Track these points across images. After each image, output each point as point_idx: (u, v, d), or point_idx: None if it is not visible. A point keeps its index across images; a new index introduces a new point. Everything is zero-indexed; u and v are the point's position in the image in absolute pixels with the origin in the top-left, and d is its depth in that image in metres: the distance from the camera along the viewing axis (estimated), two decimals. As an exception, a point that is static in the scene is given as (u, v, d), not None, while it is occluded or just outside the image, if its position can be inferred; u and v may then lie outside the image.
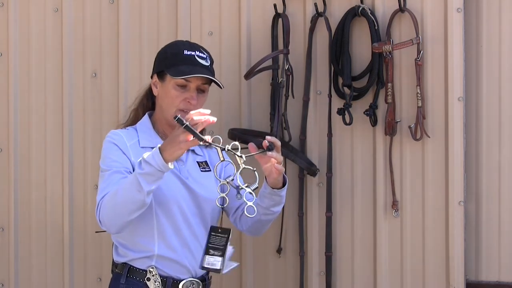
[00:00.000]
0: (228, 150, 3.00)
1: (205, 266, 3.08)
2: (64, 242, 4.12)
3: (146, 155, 2.95)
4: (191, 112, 2.95)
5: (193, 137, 2.90)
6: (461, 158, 3.63)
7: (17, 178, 4.18)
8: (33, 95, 4.17)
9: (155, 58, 3.32)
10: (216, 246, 3.08)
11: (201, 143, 2.91)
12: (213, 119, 2.94)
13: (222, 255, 3.07)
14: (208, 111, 2.95)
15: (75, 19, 4.10)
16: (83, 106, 4.10)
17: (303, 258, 3.79)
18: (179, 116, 2.91)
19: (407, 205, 3.71)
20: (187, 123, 2.89)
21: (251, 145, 3.11)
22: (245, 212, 3.04)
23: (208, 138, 2.93)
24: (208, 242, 3.10)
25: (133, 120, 3.35)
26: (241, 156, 3.00)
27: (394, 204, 3.70)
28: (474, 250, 3.69)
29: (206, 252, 3.08)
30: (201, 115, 2.92)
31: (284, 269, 3.86)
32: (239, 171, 3.01)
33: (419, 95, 3.62)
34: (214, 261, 3.07)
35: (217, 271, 3.08)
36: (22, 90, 4.18)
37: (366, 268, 3.76)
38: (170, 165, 2.94)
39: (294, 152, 3.75)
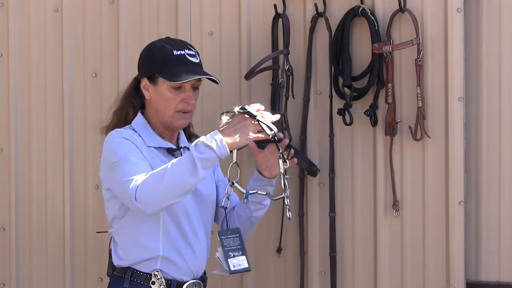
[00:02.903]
0: (281, 153, 3.03)
1: (234, 269, 3.03)
2: (65, 242, 4.13)
3: (203, 139, 2.90)
4: (253, 106, 2.94)
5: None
6: (461, 158, 3.64)
7: (17, 178, 4.19)
8: (33, 95, 4.17)
9: (141, 61, 3.26)
10: (233, 247, 3.06)
11: (272, 138, 2.91)
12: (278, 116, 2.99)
13: (243, 253, 3.06)
14: (263, 107, 2.98)
15: (75, 19, 4.10)
16: (83, 106, 4.10)
17: (304, 258, 3.80)
18: (247, 108, 2.91)
19: (407, 205, 3.71)
20: (259, 116, 2.91)
21: (253, 145, 3.15)
22: (288, 215, 3.06)
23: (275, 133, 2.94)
24: (223, 247, 3.05)
25: (118, 121, 3.28)
26: (285, 161, 3.03)
27: (395, 204, 3.71)
28: (474, 250, 3.69)
29: (227, 257, 3.04)
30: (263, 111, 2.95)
31: (284, 269, 3.87)
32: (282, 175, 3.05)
33: (419, 95, 3.62)
34: (239, 262, 3.05)
35: (247, 269, 3.06)
36: (22, 90, 4.18)
37: (367, 267, 3.77)
38: (235, 143, 2.92)
39: (295, 152, 3.75)
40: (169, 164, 2.94)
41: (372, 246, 3.76)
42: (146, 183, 2.94)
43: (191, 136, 3.34)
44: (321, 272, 3.81)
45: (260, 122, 2.91)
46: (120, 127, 3.23)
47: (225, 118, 2.95)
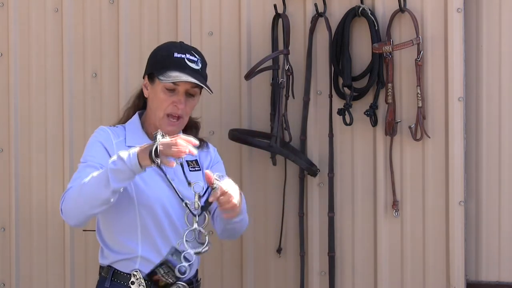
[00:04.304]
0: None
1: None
2: (65, 241, 4.12)
3: (122, 152, 2.94)
4: (180, 136, 2.93)
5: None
6: (461, 158, 3.64)
7: (17, 178, 4.18)
8: (33, 95, 4.17)
9: (148, 59, 3.30)
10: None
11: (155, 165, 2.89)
12: (192, 151, 2.91)
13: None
14: (196, 142, 2.93)
15: (75, 19, 4.10)
16: (83, 106, 4.10)
17: (304, 258, 3.80)
18: (158, 133, 2.92)
19: (407, 205, 3.72)
20: (158, 143, 2.89)
21: (207, 174, 3.04)
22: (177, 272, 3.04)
23: (176, 162, 2.91)
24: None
25: (125, 120, 3.33)
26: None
27: (395, 204, 3.71)
28: (474, 250, 3.70)
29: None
30: (183, 144, 2.89)
31: (284, 269, 3.87)
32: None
33: (419, 95, 3.62)
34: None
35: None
36: (22, 90, 4.18)
37: (367, 268, 3.77)
38: (142, 169, 2.92)
39: (295, 153, 3.76)
40: (89, 176, 3.00)
41: (372, 246, 3.75)
42: (67, 195, 3.03)
43: None
44: (321, 272, 3.81)
45: (155, 146, 2.88)
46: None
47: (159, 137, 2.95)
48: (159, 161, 2.89)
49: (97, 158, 3.13)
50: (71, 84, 4.10)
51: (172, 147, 2.89)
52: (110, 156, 3.12)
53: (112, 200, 2.98)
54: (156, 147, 2.88)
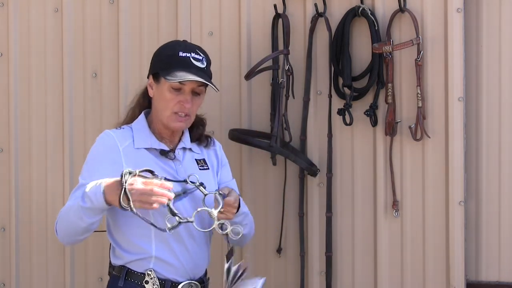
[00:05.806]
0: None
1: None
2: (65, 242, 4.13)
3: (89, 188, 2.95)
4: (153, 182, 2.89)
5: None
6: (461, 158, 3.64)
7: (17, 178, 4.18)
8: (33, 95, 4.17)
9: (152, 58, 3.30)
10: None
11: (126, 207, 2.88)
12: (170, 196, 2.91)
13: None
14: (170, 186, 2.91)
15: (75, 19, 4.10)
16: (83, 106, 4.10)
17: (304, 258, 3.80)
18: (126, 173, 2.89)
19: (407, 205, 3.72)
20: (126, 185, 2.87)
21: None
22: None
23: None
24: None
25: (130, 119, 3.32)
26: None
27: (394, 204, 3.71)
28: (474, 250, 3.70)
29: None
30: (159, 192, 2.88)
31: (284, 269, 3.87)
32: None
33: (419, 95, 3.62)
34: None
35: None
36: (22, 90, 4.18)
37: (366, 268, 3.77)
38: (115, 204, 2.91)
39: (295, 153, 3.76)
40: (75, 203, 3.01)
41: (372, 246, 3.76)
42: (59, 219, 3.10)
43: (201, 137, 3.34)
44: (321, 272, 3.81)
45: (124, 189, 2.87)
46: (130, 124, 3.28)
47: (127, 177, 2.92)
48: (131, 207, 2.88)
49: (94, 175, 3.08)
50: (71, 84, 4.10)
51: (147, 197, 2.88)
52: (115, 165, 3.10)
53: (93, 227, 3.04)
54: (125, 191, 2.88)
